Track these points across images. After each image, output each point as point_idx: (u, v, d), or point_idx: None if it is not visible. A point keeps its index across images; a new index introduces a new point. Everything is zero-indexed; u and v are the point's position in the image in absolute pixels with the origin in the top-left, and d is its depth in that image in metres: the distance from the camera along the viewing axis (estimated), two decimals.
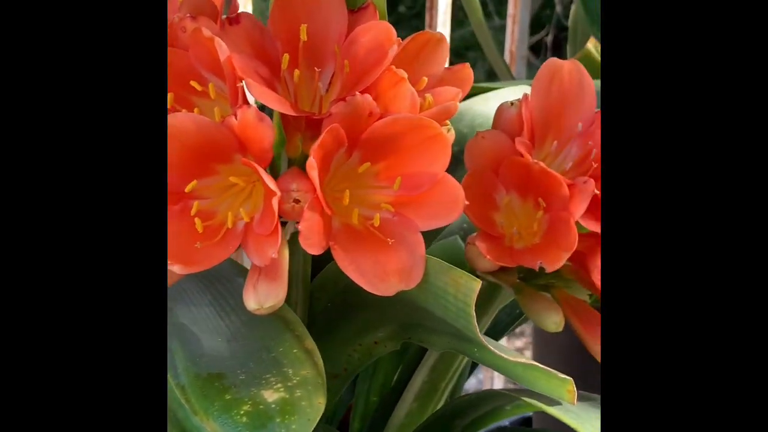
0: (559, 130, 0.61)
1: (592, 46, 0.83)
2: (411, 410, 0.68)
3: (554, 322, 0.59)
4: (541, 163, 0.56)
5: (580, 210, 0.56)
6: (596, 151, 0.59)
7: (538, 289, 0.64)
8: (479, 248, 0.56)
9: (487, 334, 0.71)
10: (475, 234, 0.57)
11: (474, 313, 0.45)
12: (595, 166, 0.58)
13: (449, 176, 0.50)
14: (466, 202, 0.50)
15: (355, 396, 0.72)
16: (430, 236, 0.62)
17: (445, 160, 0.48)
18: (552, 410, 0.53)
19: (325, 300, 0.61)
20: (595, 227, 0.56)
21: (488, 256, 0.55)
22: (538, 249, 0.58)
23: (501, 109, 0.59)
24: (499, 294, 0.66)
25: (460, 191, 0.49)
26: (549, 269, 0.55)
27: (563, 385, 0.51)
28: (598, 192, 0.56)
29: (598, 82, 0.69)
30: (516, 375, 0.53)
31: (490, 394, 0.61)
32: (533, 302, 0.61)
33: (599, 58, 0.85)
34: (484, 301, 0.66)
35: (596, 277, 0.56)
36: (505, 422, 0.63)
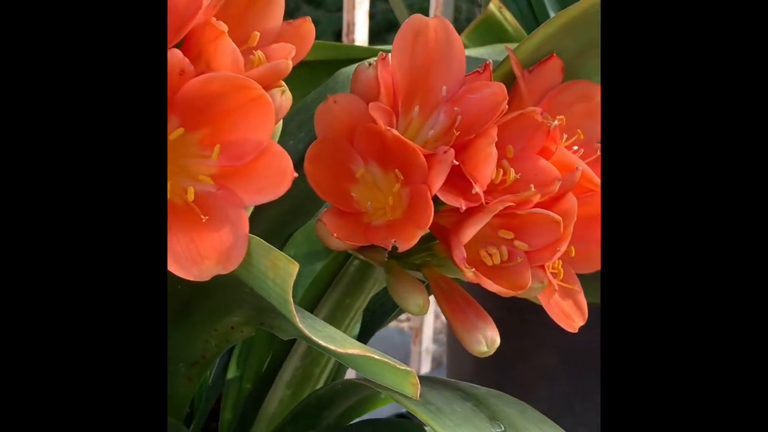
0: (425, 94, 0.55)
1: (495, 7, 0.78)
2: (284, 398, 0.64)
3: (417, 304, 0.54)
4: (394, 131, 0.51)
5: (438, 182, 0.51)
6: (461, 119, 0.54)
7: (410, 269, 0.59)
8: (327, 226, 0.51)
9: (371, 318, 0.66)
10: (325, 209, 0.52)
11: (291, 299, 0.40)
12: (457, 134, 0.53)
13: (276, 144, 0.45)
14: (295, 174, 0.44)
15: (225, 384, 0.67)
16: None
17: (270, 125, 0.43)
18: (408, 404, 0.48)
19: (175, 281, 0.56)
20: (455, 201, 0.52)
21: (335, 234, 0.50)
22: (394, 226, 0.53)
23: (358, 72, 0.54)
24: (372, 273, 0.61)
25: (287, 161, 0.44)
26: (401, 248, 0.51)
27: (405, 378, 0.46)
28: (457, 163, 0.51)
29: (499, 45, 0.64)
30: (356, 366, 0.48)
31: (357, 384, 0.56)
32: (398, 282, 0.56)
33: (502, 20, 0.79)
34: (355, 281, 0.61)
35: (457, 257, 0.51)
36: (385, 410, 0.58)
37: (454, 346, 1.07)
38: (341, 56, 0.65)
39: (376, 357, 0.45)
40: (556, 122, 0.55)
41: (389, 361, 0.46)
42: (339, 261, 0.62)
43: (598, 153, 0.60)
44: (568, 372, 0.95)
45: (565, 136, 0.58)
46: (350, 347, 0.45)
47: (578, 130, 0.59)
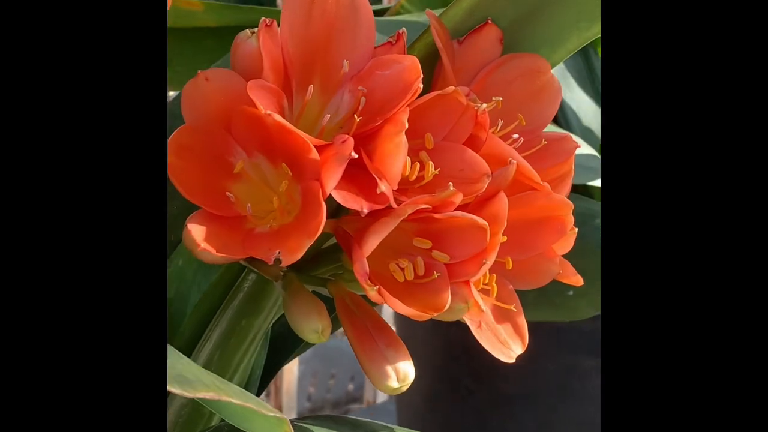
0: (325, 70, 0.45)
1: None
2: None
3: (313, 329, 0.44)
4: (276, 116, 0.40)
5: (332, 180, 0.41)
6: (366, 101, 0.44)
7: (315, 284, 0.48)
8: (192, 234, 0.41)
9: (282, 345, 0.57)
10: (193, 213, 0.42)
11: None
12: (359, 120, 0.42)
13: None
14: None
15: None
16: None
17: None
18: None
19: None
20: (354, 203, 0.42)
21: (201, 246, 0.40)
22: (280, 233, 0.42)
23: (237, 43, 0.44)
24: (273, 289, 0.51)
25: None
26: (285, 261, 0.41)
27: (277, 427, 0.36)
28: (356, 156, 0.41)
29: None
30: (220, 411, 0.38)
31: None
32: (293, 301, 0.46)
33: None
34: (252, 298, 0.51)
35: (357, 271, 0.42)
36: None
37: None
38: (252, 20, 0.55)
39: (237, 402, 0.35)
40: (484, 105, 0.45)
41: (255, 407, 0.36)
42: (234, 272, 0.52)
43: (544, 142, 0.50)
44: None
45: (501, 122, 0.48)
46: (203, 390, 0.35)
47: (519, 115, 0.49)
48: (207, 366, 0.53)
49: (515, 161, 0.45)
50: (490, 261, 0.44)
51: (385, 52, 0.46)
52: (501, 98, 0.49)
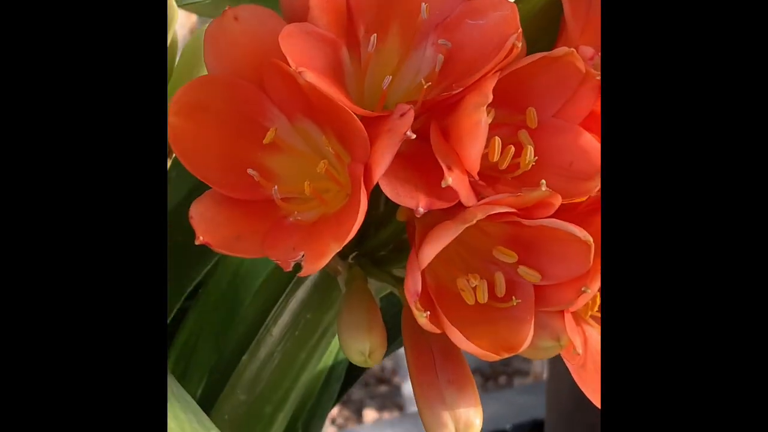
0: (404, 14, 0.35)
1: None
2: None
3: (359, 350, 0.35)
4: (308, 74, 0.31)
5: (380, 164, 0.31)
6: (453, 59, 0.33)
7: (388, 281, 0.39)
8: (195, 221, 0.32)
9: None
10: (201, 196, 0.33)
11: None
12: (426, 86, 0.32)
13: None
14: None
15: None
16: None
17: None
18: None
19: None
20: (408, 199, 0.31)
21: (200, 239, 0.31)
22: (317, 228, 0.33)
23: None
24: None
25: None
26: (307, 269, 0.31)
27: None
28: (413, 136, 0.31)
29: None
30: None
31: None
32: (346, 307, 0.36)
33: None
34: (317, 290, 0.42)
35: (407, 288, 0.31)
36: None
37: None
38: None
39: None
40: None
41: None
42: None
43: None
44: None
45: None
46: None
47: None
48: (267, 362, 0.44)
49: None
50: (594, 289, 0.32)
51: None
52: None
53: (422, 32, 0.35)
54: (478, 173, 0.34)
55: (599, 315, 0.36)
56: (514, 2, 0.38)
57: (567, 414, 0.83)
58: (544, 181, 0.32)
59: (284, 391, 0.45)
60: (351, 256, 0.40)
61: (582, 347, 0.35)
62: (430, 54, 0.35)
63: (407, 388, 1.53)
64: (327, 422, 1.29)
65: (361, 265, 0.40)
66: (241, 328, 0.47)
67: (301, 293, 0.43)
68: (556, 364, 0.85)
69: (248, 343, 0.45)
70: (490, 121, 0.34)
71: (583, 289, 0.33)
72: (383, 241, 0.40)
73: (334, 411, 1.38)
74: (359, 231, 0.41)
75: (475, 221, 0.31)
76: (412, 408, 1.47)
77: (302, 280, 0.43)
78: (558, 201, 0.33)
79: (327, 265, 0.39)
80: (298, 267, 0.35)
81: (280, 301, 0.44)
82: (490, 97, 0.32)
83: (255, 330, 0.45)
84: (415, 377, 0.35)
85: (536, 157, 0.34)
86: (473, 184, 0.33)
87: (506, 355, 0.32)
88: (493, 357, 0.32)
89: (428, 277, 0.34)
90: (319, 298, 0.42)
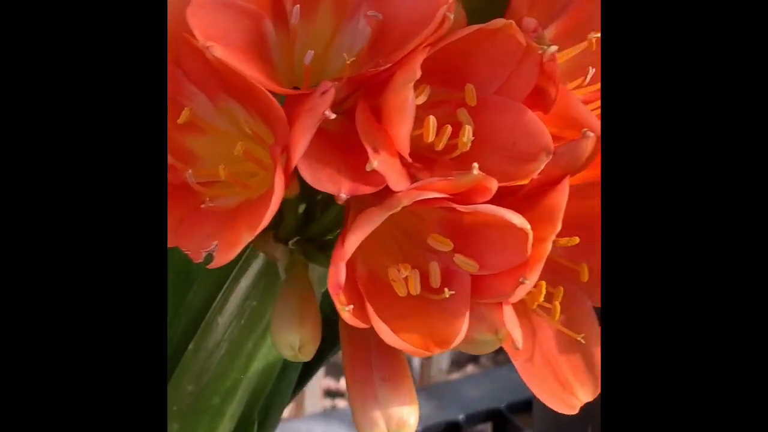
0: None
1: None
2: None
3: (288, 343, 0.32)
4: (216, 48, 0.28)
5: (298, 146, 0.29)
6: (383, 31, 0.31)
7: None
8: None
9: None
10: None
11: None
12: (349, 61, 0.30)
13: None
14: None
15: None
16: None
17: None
18: None
19: None
20: (330, 184, 0.29)
21: None
22: (236, 214, 0.31)
23: None
24: None
25: None
26: (219, 259, 0.29)
27: None
28: (333, 115, 0.28)
29: None
30: None
31: None
32: (280, 297, 0.34)
33: None
34: (261, 277, 0.40)
35: (330, 280, 0.29)
36: None
37: None
38: None
39: None
40: (553, 48, 0.31)
41: None
42: None
43: None
44: None
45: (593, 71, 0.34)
46: None
47: None
48: (214, 352, 0.42)
49: (593, 133, 0.31)
50: (532, 280, 0.30)
51: None
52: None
53: (354, 3, 0.33)
54: (415, 155, 0.31)
55: (549, 305, 0.34)
56: None
57: None
58: (476, 164, 0.30)
59: (232, 381, 0.43)
60: (292, 242, 0.37)
61: (524, 340, 0.33)
62: (363, 27, 0.33)
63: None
64: (321, 393, 1.27)
65: (305, 250, 0.37)
66: (186, 317, 0.45)
67: (245, 281, 0.41)
68: None
69: (194, 332, 0.43)
70: (425, 99, 0.32)
71: (521, 279, 0.30)
72: (329, 225, 0.38)
73: (330, 383, 1.36)
74: (304, 214, 0.39)
75: (399, 208, 0.29)
76: None
77: (246, 266, 0.41)
78: (494, 185, 0.30)
79: (265, 251, 0.37)
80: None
81: (224, 288, 0.42)
82: (418, 73, 0.29)
83: (201, 318, 0.43)
84: (349, 373, 0.33)
85: (475, 137, 0.32)
86: (408, 167, 0.31)
87: (438, 351, 0.30)
88: (424, 353, 0.30)
89: (360, 267, 0.32)
90: (264, 285, 0.40)
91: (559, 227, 0.30)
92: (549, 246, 0.30)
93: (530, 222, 0.31)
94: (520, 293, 0.31)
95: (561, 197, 0.31)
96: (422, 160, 0.32)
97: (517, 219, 0.30)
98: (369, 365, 0.33)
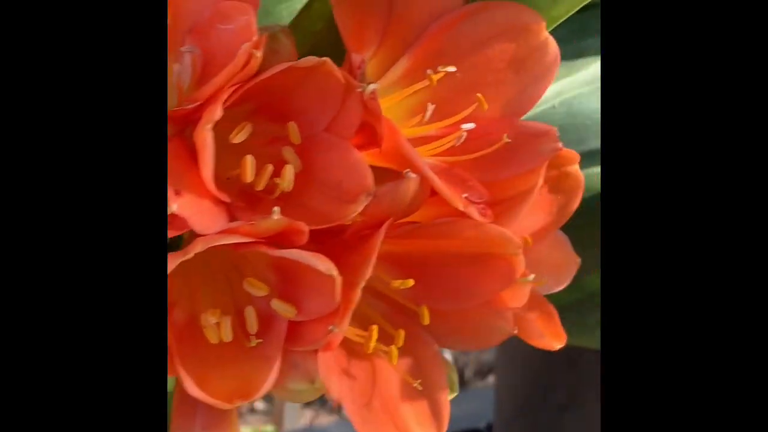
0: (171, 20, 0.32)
1: None
2: None
3: None
4: None
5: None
6: (204, 66, 0.30)
7: None
8: None
9: None
10: None
11: None
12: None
13: None
14: None
15: None
16: None
17: None
18: None
19: None
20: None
21: None
22: None
23: None
24: None
25: None
26: None
27: None
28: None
29: None
30: None
31: None
32: None
33: None
34: None
35: None
36: None
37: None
38: None
39: None
40: (372, 87, 0.30)
41: None
42: None
43: (506, 140, 0.33)
44: None
45: (433, 107, 0.33)
46: None
47: (478, 95, 0.33)
48: None
49: (415, 175, 0.30)
50: (342, 328, 0.29)
51: None
52: (455, 68, 0.33)
53: (180, 36, 0.32)
54: (241, 194, 0.31)
55: (393, 348, 0.33)
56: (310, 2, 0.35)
57: (508, 420, 0.80)
58: (277, 208, 0.28)
59: None
60: None
61: (363, 385, 0.32)
62: (188, 62, 0.32)
63: None
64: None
65: None
66: None
67: None
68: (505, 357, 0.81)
69: None
70: (245, 137, 0.31)
71: (330, 327, 0.29)
72: None
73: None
74: None
75: (192, 255, 0.28)
76: None
77: None
78: (304, 228, 0.29)
79: None
80: None
81: None
82: (219, 114, 0.28)
83: None
84: (173, 419, 0.32)
85: (303, 175, 0.31)
86: (229, 207, 0.30)
87: (240, 403, 0.29)
88: (227, 406, 0.29)
89: (177, 312, 0.31)
90: None
91: (368, 273, 0.29)
92: (358, 292, 0.29)
93: (349, 266, 0.29)
94: (334, 342, 0.29)
95: (375, 241, 0.29)
96: (247, 198, 0.31)
97: (323, 265, 0.28)
98: (194, 413, 0.32)
